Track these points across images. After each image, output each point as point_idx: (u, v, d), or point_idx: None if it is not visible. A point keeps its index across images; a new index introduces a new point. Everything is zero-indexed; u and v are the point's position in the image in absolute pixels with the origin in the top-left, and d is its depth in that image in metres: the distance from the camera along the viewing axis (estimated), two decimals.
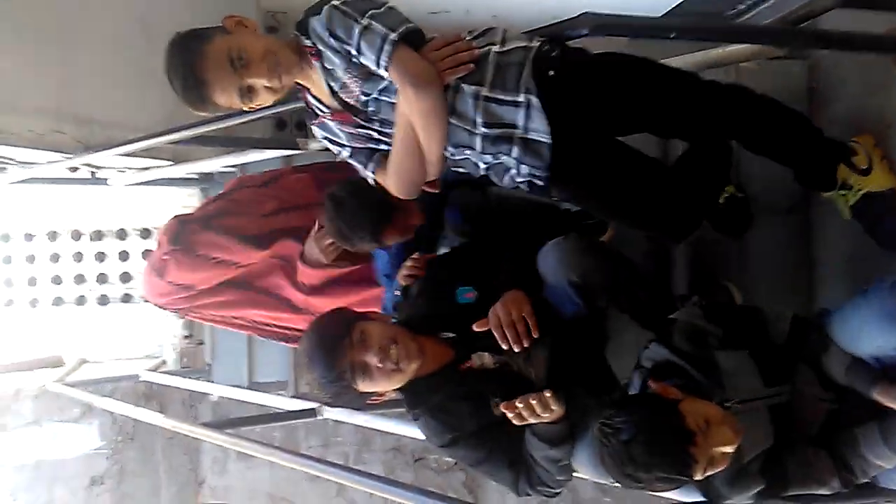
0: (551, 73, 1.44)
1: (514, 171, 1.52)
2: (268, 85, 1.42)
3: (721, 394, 1.37)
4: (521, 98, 1.43)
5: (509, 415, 1.43)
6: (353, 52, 1.41)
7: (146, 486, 3.92)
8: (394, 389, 1.59)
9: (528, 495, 1.62)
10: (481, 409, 1.55)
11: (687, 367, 1.41)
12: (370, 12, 1.39)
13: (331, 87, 1.50)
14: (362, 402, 1.62)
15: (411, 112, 1.43)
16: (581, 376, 1.55)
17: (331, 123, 1.59)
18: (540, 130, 1.44)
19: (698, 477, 1.26)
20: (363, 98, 1.48)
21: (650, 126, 1.59)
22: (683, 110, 1.51)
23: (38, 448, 3.89)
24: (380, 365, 1.49)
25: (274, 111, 2.23)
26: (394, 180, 1.56)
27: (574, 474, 1.60)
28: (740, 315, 1.58)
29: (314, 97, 1.57)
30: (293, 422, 3.18)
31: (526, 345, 1.52)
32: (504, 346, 1.52)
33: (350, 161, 1.64)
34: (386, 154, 1.56)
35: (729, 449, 1.26)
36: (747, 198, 1.71)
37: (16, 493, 3.87)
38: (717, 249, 1.85)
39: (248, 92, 1.43)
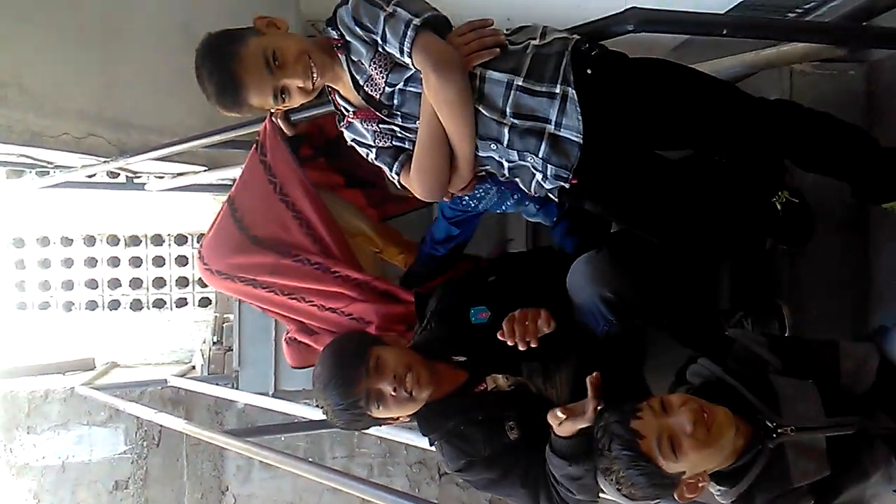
0: (589, 71, 1.37)
1: (539, 176, 1.46)
2: (301, 86, 1.42)
3: (776, 419, 1.26)
4: (558, 89, 1.36)
5: (509, 342, 1.42)
6: (379, 40, 1.38)
7: (170, 491, 3.92)
8: (407, 415, 1.56)
9: None
10: (495, 434, 1.50)
11: (739, 387, 1.31)
12: (396, 0, 1.36)
13: (355, 81, 1.46)
14: (376, 425, 1.60)
15: (436, 102, 1.38)
16: (614, 395, 1.47)
17: (356, 123, 1.55)
18: (572, 128, 1.38)
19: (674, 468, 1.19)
20: (388, 90, 1.44)
21: (690, 141, 1.50)
22: (729, 125, 1.43)
23: (63, 451, 3.93)
24: (394, 393, 1.47)
25: (307, 115, 2.21)
26: (417, 179, 1.51)
27: (601, 495, 1.50)
28: (810, 350, 1.42)
29: (342, 98, 1.54)
30: (317, 431, 3.15)
31: (534, 344, 1.46)
32: (509, 343, 1.47)
33: (376, 162, 1.59)
34: (412, 155, 1.51)
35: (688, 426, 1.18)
36: (806, 202, 1.60)
37: (40, 494, 3.90)
38: (765, 262, 1.74)
39: (282, 93, 1.42)
